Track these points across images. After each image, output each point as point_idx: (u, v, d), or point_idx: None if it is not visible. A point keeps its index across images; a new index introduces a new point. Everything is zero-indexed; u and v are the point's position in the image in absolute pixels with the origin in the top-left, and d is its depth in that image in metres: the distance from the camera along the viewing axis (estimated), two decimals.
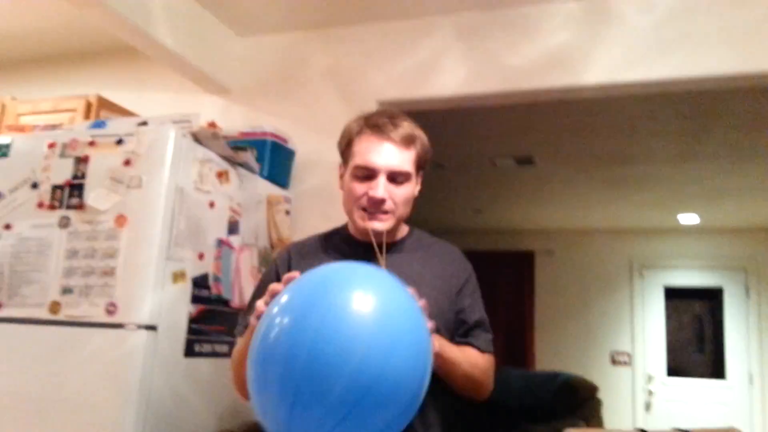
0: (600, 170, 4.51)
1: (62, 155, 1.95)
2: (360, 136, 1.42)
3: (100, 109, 2.47)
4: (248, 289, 2.24)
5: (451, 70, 2.56)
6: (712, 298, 6.30)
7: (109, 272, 1.81)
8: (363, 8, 2.63)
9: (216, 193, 2.09)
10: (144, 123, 2.02)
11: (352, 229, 1.48)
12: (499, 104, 2.63)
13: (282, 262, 1.47)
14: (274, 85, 2.80)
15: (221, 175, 2.12)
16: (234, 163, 2.19)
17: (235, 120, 2.74)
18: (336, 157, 2.59)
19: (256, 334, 1.02)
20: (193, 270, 1.97)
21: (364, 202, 1.37)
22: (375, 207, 1.36)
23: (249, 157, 2.25)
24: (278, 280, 1.26)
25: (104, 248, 1.84)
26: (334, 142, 2.61)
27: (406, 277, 1.27)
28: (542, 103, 2.86)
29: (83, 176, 1.91)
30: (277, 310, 1.00)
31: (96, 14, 2.20)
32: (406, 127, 1.41)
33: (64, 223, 1.89)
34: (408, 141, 1.40)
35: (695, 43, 2.28)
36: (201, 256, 2.01)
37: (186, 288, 1.94)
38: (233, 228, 2.18)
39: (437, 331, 1.33)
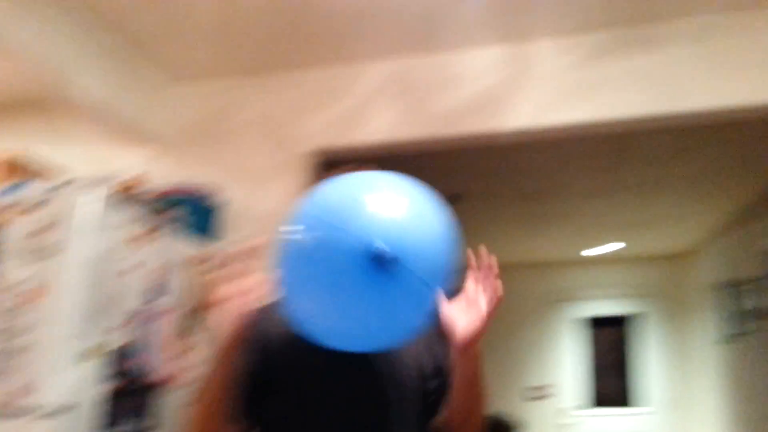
0: (522, 206, 4.63)
1: None
2: None
3: (19, 168, 2.29)
4: (167, 358, 2.11)
5: (380, 117, 2.56)
6: (629, 325, 6.54)
7: (25, 349, 1.65)
8: (290, 56, 2.61)
9: (139, 255, 1.97)
10: (67, 183, 1.88)
11: None
12: (428, 149, 2.64)
13: (245, 330, 1.33)
14: (204, 133, 2.73)
15: (144, 236, 2.00)
16: (158, 221, 2.07)
17: (163, 171, 2.62)
18: (269, 207, 2.55)
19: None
20: (112, 342, 1.83)
21: None
22: None
23: (174, 215, 2.14)
24: (246, 346, 1.25)
25: (20, 323, 1.67)
26: (267, 191, 2.59)
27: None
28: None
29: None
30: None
31: (11, 65, 2.06)
32: None
33: None
34: None
35: (610, 87, 2.38)
36: (119, 327, 1.87)
37: (104, 363, 1.79)
38: (156, 292, 2.06)
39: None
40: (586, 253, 6.14)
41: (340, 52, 2.58)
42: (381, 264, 0.97)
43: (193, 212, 2.28)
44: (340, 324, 1.05)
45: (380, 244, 0.97)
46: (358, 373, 1.29)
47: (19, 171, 2.40)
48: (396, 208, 1.05)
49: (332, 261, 0.99)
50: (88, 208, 1.77)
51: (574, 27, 2.40)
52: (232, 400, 1.25)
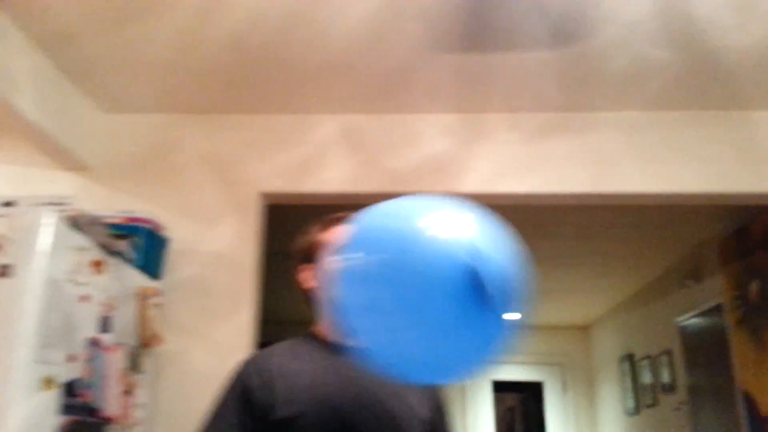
0: None
1: None
2: (328, 229, 1.44)
3: None
4: (116, 394, 2.01)
5: (335, 168, 2.62)
6: (535, 391, 6.77)
7: None
8: (244, 100, 2.62)
9: (89, 286, 1.89)
10: (9, 204, 1.80)
11: (323, 332, 1.43)
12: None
13: (251, 376, 1.35)
14: (142, 166, 2.64)
15: (96, 265, 1.93)
16: (110, 251, 2.01)
17: (92, 200, 2.51)
18: (214, 247, 2.52)
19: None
20: (63, 374, 1.73)
21: None
22: None
23: (125, 245, 2.08)
24: (248, 398, 1.29)
25: None
26: (212, 231, 2.56)
27: (392, 385, 1.34)
28: None
29: None
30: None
31: None
32: None
33: None
34: None
35: (552, 163, 2.57)
36: (71, 358, 1.77)
37: (54, 396, 1.69)
38: (105, 325, 1.97)
39: None
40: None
41: (296, 103, 2.61)
42: (479, 289, 0.90)
43: (144, 245, 2.22)
44: (421, 353, 0.98)
45: (480, 268, 0.90)
46: (375, 407, 1.33)
47: None
48: (482, 231, 0.98)
49: (422, 284, 0.92)
50: (41, 230, 1.69)
51: (524, 106, 2.59)
52: None
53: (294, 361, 1.37)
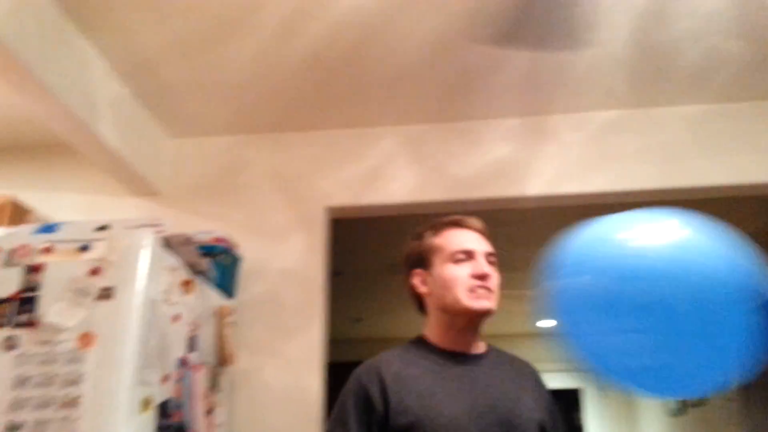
0: None
1: (8, 264, 1.64)
2: (441, 233, 1.45)
3: (17, 212, 2.14)
4: (201, 414, 1.98)
5: (399, 178, 2.60)
6: (569, 398, 6.70)
7: (71, 403, 1.51)
8: (308, 117, 2.62)
9: (180, 305, 1.87)
10: (103, 227, 1.78)
11: (435, 338, 1.43)
12: (446, 212, 2.69)
13: (371, 382, 1.34)
14: (211, 187, 2.64)
15: (185, 285, 1.91)
16: (196, 271, 1.99)
17: (169, 224, 2.51)
18: (283, 264, 2.50)
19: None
20: (159, 395, 1.71)
21: (470, 281, 1.37)
22: (483, 282, 1.37)
23: (208, 264, 2.06)
24: (368, 405, 1.28)
25: (64, 373, 1.53)
26: (281, 247, 2.54)
27: (505, 391, 1.35)
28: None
29: (36, 288, 1.61)
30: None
31: (42, 107, 1.96)
32: (480, 222, 1.47)
33: (11, 344, 1.56)
34: (486, 232, 1.46)
35: (620, 160, 2.55)
36: (165, 379, 1.75)
37: (151, 417, 1.66)
38: (192, 344, 1.95)
39: None
40: (541, 324, 6.31)
41: (359, 115, 2.61)
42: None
43: (224, 264, 2.20)
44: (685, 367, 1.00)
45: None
46: (490, 413, 1.32)
47: (17, 214, 2.25)
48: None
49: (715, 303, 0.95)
50: (141, 252, 1.68)
51: (589, 104, 2.57)
52: None
53: (406, 369, 1.36)
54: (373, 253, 4.25)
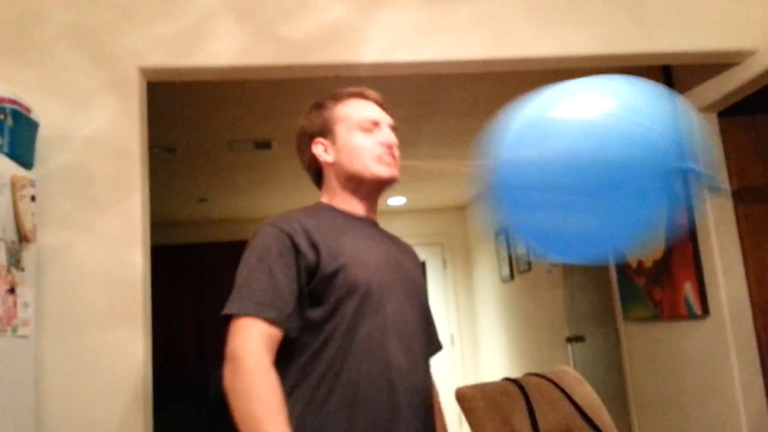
0: None
1: None
2: (345, 103, 1.47)
3: None
4: (2, 292, 1.80)
5: (223, 38, 2.38)
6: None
7: None
8: None
9: None
10: None
11: (337, 205, 1.46)
12: (275, 78, 2.53)
13: (296, 232, 1.32)
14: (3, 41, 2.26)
15: None
16: None
17: None
18: (91, 132, 2.25)
19: None
20: None
21: (377, 148, 1.42)
22: (390, 151, 1.43)
23: None
24: (296, 251, 1.28)
25: None
26: (87, 113, 2.27)
27: (402, 260, 1.46)
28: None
29: None
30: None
31: None
32: (380, 94, 1.53)
33: None
34: (385, 104, 1.52)
35: (453, 29, 2.50)
36: None
37: None
38: None
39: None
40: (380, 204, 6.46)
41: None
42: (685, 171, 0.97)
43: (9, 127, 1.92)
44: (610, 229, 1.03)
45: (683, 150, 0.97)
46: (400, 268, 1.42)
47: None
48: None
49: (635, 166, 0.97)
50: None
51: None
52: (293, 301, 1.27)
53: (323, 223, 1.37)
54: (212, 130, 4.02)
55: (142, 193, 2.28)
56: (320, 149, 1.47)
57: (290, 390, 1.24)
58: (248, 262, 1.31)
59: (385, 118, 1.48)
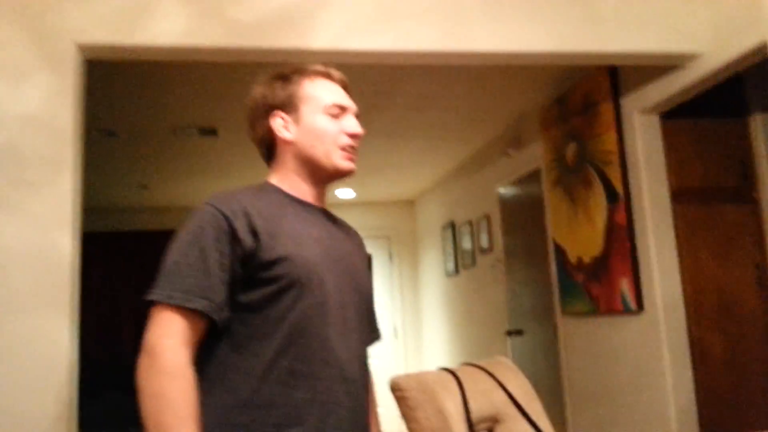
0: None
1: None
2: (312, 81, 1.39)
3: None
4: None
5: (167, 17, 2.29)
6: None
7: None
8: None
9: None
10: None
11: (286, 187, 1.38)
12: (222, 61, 2.46)
13: (235, 215, 1.23)
14: None
15: None
16: None
17: None
18: (22, 108, 2.14)
19: None
20: None
21: (342, 137, 1.37)
22: (354, 142, 1.38)
23: None
24: (234, 236, 1.20)
25: None
26: (19, 89, 2.16)
27: (348, 250, 1.41)
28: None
29: None
30: None
31: None
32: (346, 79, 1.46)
33: None
34: (350, 90, 1.46)
35: (406, 19, 2.48)
36: None
37: None
38: None
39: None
40: (329, 197, 6.41)
41: None
42: None
43: None
44: None
45: None
46: (344, 259, 1.38)
47: None
48: None
49: None
50: None
51: None
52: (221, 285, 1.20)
53: (269, 207, 1.30)
54: (155, 115, 3.89)
55: (74, 175, 2.19)
56: (279, 123, 1.37)
57: (214, 381, 1.20)
58: (180, 244, 1.21)
59: (351, 105, 1.41)
